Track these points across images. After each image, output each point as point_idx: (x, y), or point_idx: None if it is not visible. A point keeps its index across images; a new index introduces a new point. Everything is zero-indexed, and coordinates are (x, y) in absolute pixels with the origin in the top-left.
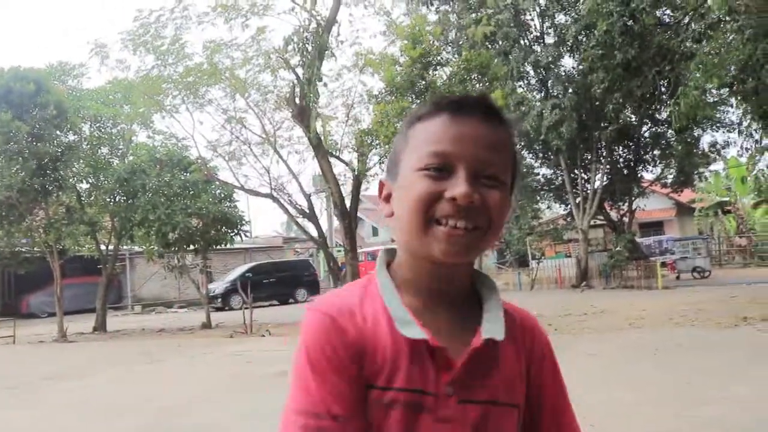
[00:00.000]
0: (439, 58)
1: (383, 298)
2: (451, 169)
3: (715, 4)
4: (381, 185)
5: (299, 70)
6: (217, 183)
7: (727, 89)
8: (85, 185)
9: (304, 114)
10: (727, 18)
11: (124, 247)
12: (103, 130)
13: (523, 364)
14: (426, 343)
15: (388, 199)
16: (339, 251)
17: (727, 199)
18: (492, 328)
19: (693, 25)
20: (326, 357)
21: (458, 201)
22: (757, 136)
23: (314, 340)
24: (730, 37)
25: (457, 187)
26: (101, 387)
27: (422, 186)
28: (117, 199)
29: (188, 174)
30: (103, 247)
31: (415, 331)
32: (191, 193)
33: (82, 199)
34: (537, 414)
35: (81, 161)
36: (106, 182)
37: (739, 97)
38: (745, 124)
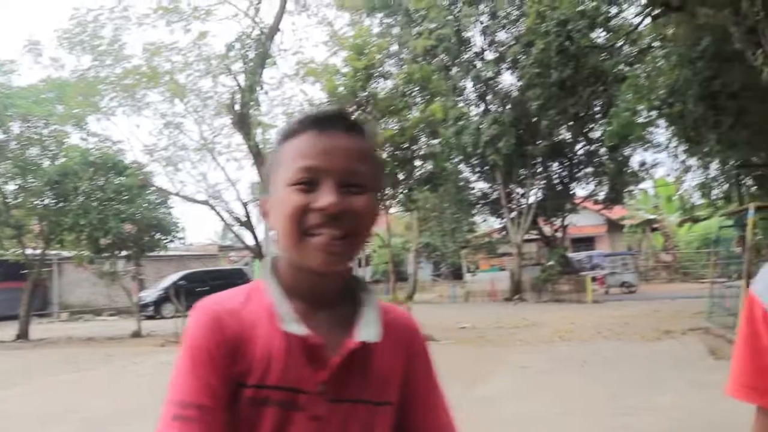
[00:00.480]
0: (381, 69)
1: (271, 298)
2: (319, 182)
3: (647, 31)
4: (261, 202)
5: (240, 77)
6: (153, 188)
7: (656, 112)
8: (12, 186)
9: (244, 121)
10: (657, 44)
11: (52, 251)
12: (33, 130)
13: (401, 362)
14: (305, 342)
15: (267, 214)
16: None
17: (654, 216)
18: (367, 330)
19: (626, 48)
20: (202, 352)
21: (326, 210)
22: (683, 158)
23: (194, 337)
24: (660, 63)
25: (325, 197)
26: (24, 398)
27: (292, 201)
28: (46, 202)
29: (123, 178)
30: (29, 251)
31: (297, 327)
32: (125, 197)
33: (8, 200)
34: (410, 410)
35: (9, 161)
36: (35, 184)
37: (666, 120)
38: (672, 145)
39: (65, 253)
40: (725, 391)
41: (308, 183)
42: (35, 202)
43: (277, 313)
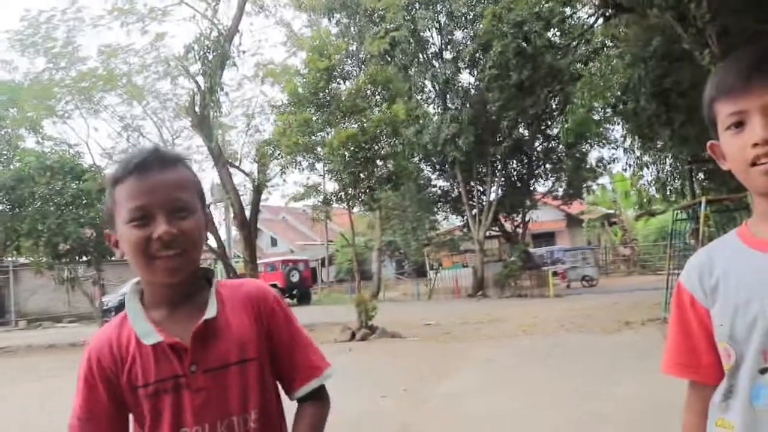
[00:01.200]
0: (341, 70)
1: (129, 322)
2: (152, 215)
3: (600, 31)
4: (108, 235)
5: (200, 79)
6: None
7: (611, 109)
8: None
9: (204, 123)
10: (610, 44)
11: (9, 258)
12: None
13: (252, 322)
14: (164, 343)
15: (116, 245)
16: (238, 262)
17: (613, 211)
18: (210, 309)
19: (581, 48)
20: (85, 377)
21: (162, 238)
22: (638, 153)
23: (82, 366)
24: (613, 62)
25: (159, 228)
26: None
27: (133, 235)
28: (1, 208)
29: (81, 182)
30: None
31: (153, 338)
32: (84, 202)
33: None
34: (279, 357)
35: None
36: None
37: (620, 118)
38: (628, 141)
39: (22, 260)
40: (660, 368)
41: (142, 218)
42: None
43: (135, 332)
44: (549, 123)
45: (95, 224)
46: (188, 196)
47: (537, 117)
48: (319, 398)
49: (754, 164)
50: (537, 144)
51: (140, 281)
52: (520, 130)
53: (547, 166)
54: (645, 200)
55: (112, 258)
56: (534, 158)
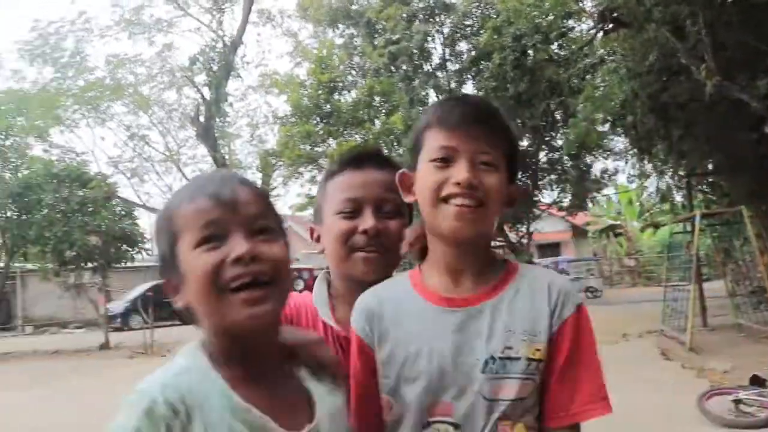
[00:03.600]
0: (344, 81)
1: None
2: (360, 209)
3: (599, 44)
4: (311, 229)
5: (205, 89)
6: (118, 200)
7: (610, 123)
8: None
9: (208, 133)
10: (608, 58)
11: (16, 264)
12: None
13: None
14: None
15: (318, 239)
16: None
17: (618, 222)
18: None
19: (581, 62)
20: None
21: (368, 232)
22: (639, 165)
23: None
24: (612, 76)
25: (366, 222)
26: None
27: (341, 225)
28: (9, 215)
29: (87, 190)
30: None
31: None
32: (90, 209)
33: None
34: None
35: None
36: None
37: (620, 131)
38: (630, 153)
39: (29, 266)
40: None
41: (351, 211)
42: None
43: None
44: (553, 134)
45: (101, 231)
46: (397, 197)
47: (539, 128)
48: None
49: (446, 201)
50: (541, 155)
51: (329, 271)
52: (524, 140)
53: (552, 176)
54: (649, 212)
55: (118, 265)
56: (539, 169)
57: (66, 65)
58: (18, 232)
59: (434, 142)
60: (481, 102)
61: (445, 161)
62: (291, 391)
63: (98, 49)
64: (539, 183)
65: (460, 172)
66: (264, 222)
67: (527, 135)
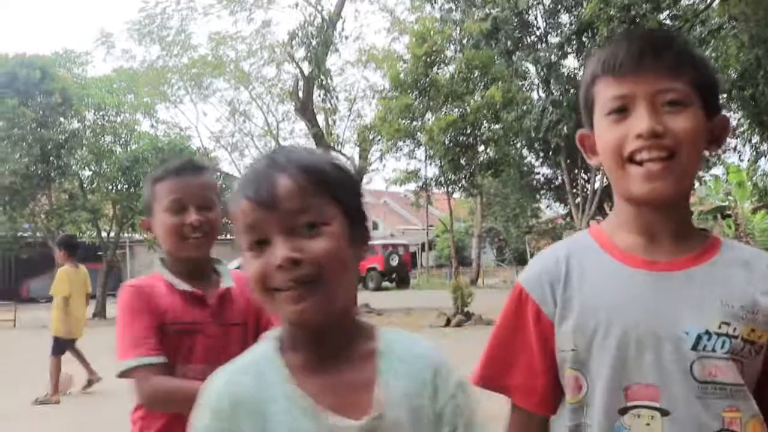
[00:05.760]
0: (442, 56)
1: (163, 276)
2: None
3: (716, 11)
4: (143, 222)
5: (304, 65)
6: (219, 174)
7: (725, 95)
8: (87, 172)
9: (307, 108)
10: (727, 25)
11: (125, 234)
12: (106, 119)
13: (249, 302)
14: (191, 293)
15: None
16: None
17: (726, 203)
18: (226, 280)
19: (695, 30)
20: (135, 306)
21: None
22: (755, 141)
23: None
24: (730, 44)
25: (191, 216)
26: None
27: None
28: (119, 187)
29: None
30: (104, 234)
31: (184, 286)
32: None
33: (85, 186)
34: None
35: (84, 148)
36: (108, 170)
37: (737, 104)
38: (742, 129)
39: (137, 236)
40: (471, 379)
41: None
42: (109, 188)
43: (169, 281)
44: None
45: None
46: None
47: None
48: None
49: (631, 160)
50: None
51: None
52: None
53: None
54: (762, 192)
55: (219, 237)
56: None
57: (171, 43)
58: (127, 204)
59: (605, 92)
60: (650, 34)
61: (622, 112)
62: (363, 376)
63: (201, 27)
64: None
65: (639, 121)
66: (306, 218)
67: None
